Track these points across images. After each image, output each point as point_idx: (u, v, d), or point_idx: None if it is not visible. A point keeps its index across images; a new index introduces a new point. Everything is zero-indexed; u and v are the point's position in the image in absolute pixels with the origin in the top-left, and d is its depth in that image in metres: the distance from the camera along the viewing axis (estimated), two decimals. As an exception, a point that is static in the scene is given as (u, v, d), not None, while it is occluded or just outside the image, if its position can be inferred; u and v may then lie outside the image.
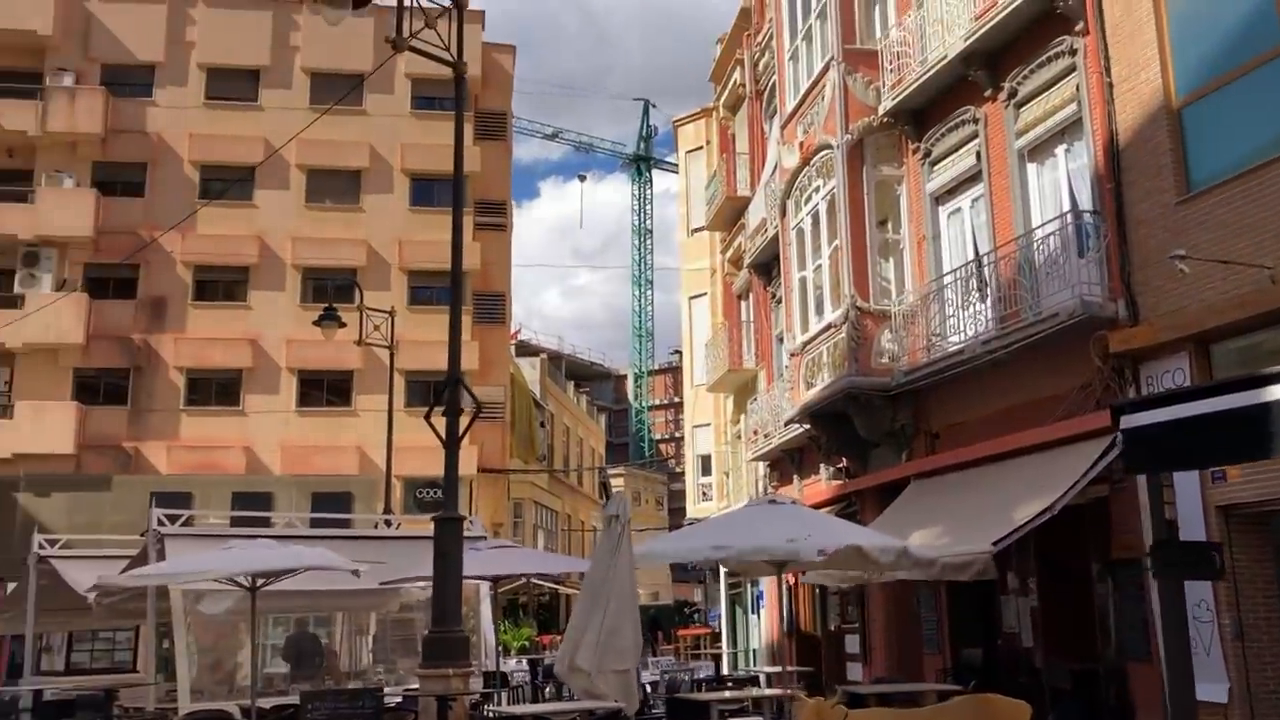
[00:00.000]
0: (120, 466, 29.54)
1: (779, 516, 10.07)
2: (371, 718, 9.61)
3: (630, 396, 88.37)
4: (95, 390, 30.46)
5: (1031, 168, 14.15)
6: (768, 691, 11.42)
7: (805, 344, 17.84)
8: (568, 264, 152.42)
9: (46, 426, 28.97)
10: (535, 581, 32.70)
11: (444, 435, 10.95)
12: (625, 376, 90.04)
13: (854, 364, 15.98)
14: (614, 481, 55.70)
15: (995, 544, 11.39)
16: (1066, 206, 13.22)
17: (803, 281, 18.27)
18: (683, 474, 70.00)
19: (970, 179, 15.32)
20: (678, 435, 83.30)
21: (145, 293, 31.09)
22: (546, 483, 46.20)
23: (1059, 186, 13.67)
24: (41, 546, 17.09)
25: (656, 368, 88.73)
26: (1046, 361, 13.08)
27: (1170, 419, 6.87)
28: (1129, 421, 7.00)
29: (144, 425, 30.21)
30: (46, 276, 30.12)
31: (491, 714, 12.54)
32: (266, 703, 13.02)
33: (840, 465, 18.73)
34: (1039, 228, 13.46)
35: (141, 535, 15.52)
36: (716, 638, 34.61)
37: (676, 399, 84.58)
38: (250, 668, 13.68)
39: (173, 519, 14.82)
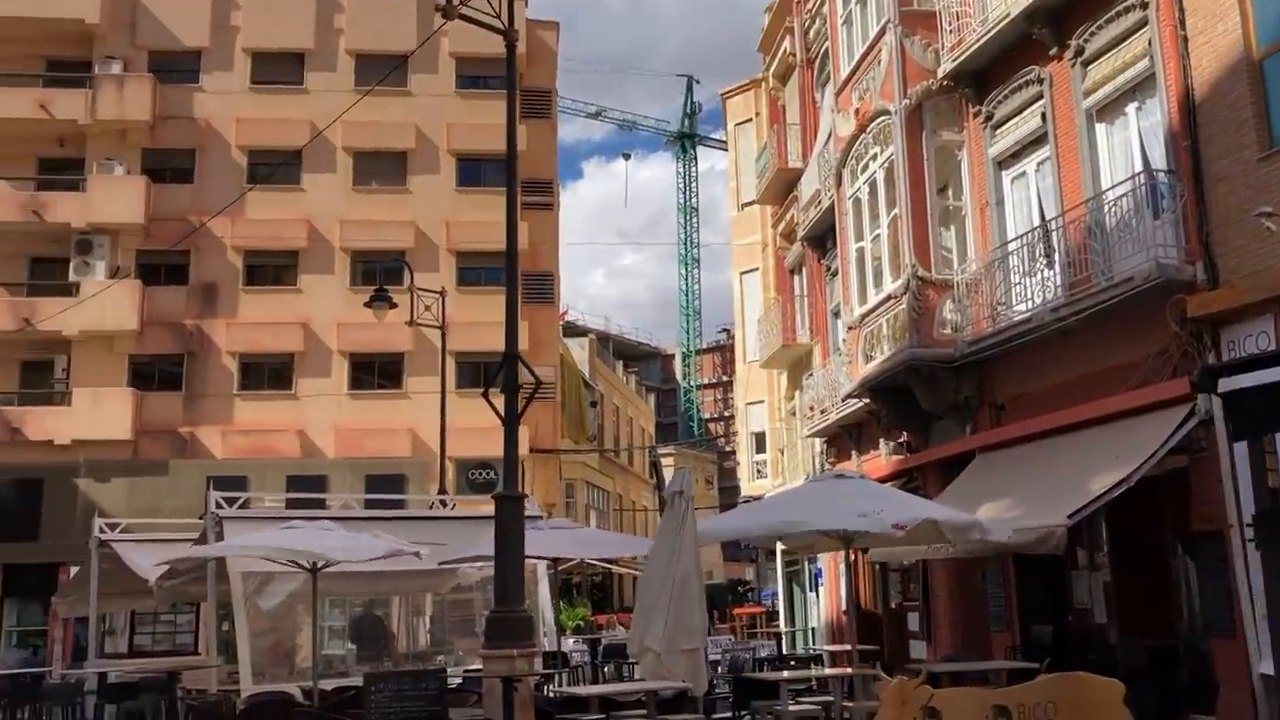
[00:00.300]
0: (176, 451, 29.81)
1: (848, 491, 9.77)
2: (435, 699, 9.47)
3: (678, 376, 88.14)
4: (150, 376, 30.73)
5: (1100, 128, 13.65)
6: (843, 671, 11.14)
7: (864, 316, 17.46)
8: (613, 242, 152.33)
9: (104, 412, 29.29)
10: (589, 561, 32.70)
11: (502, 413, 10.75)
12: (673, 356, 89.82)
13: (915, 335, 15.58)
14: (664, 461, 55.51)
15: (1071, 516, 11.03)
16: (1139, 166, 12.75)
17: (860, 252, 17.87)
18: (732, 453, 69.78)
19: (1035, 142, 14.84)
20: (727, 414, 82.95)
21: (197, 278, 31.28)
22: (598, 463, 46.13)
23: (1130, 146, 13.18)
24: (102, 530, 17.21)
25: (704, 346, 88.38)
26: (1119, 328, 12.64)
27: (1269, 381, 6.52)
28: (1228, 385, 6.62)
29: (199, 410, 30.45)
30: (100, 264, 30.36)
31: (555, 694, 12.39)
32: (327, 684, 12.96)
33: (901, 440, 18.36)
34: (1110, 189, 12.98)
35: (200, 518, 15.57)
36: (772, 616, 34.39)
37: (725, 377, 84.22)
38: (310, 649, 13.65)
39: (230, 502, 14.85)
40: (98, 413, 29.23)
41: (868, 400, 18.30)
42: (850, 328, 18.30)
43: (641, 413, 61.28)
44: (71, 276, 30.16)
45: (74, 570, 22.20)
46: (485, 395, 11.00)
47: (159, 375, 30.81)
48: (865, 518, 9.09)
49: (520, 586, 10.28)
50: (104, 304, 29.31)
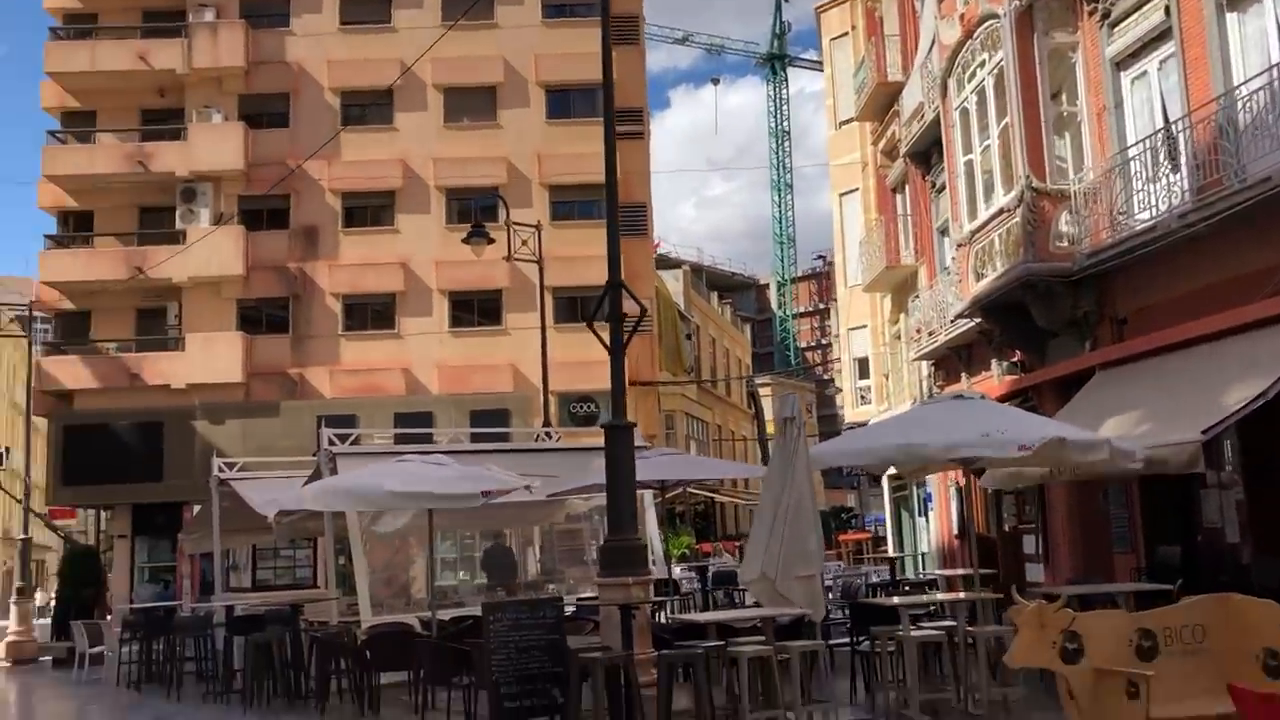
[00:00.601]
0: (286, 393, 30.51)
1: (970, 411, 9.41)
2: (553, 627, 9.48)
3: (773, 305, 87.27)
4: (258, 320, 31.46)
5: (1231, 18, 12.74)
6: (968, 595, 10.87)
7: (974, 232, 16.82)
8: (703, 169, 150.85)
9: (216, 357, 30.12)
10: (691, 490, 32.77)
11: (607, 342, 10.60)
12: (767, 286, 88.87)
13: (1030, 249, 14.94)
14: (762, 391, 55.25)
15: (1206, 432, 10.49)
16: (1276, 57, 11.88)
17: (969, 165, 17.18)
18: (830, 381, 69.00)
19: (1158, 38, 13.95)
20: (823, 342, 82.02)
21: (297, 222, 31.74)
22: (696, 394, 46.05)
23: (1266, 36, 12.27)
24: (220, 470, 17.69)
25: (799, 274, 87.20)
26: (1255, 232, 11.90)
27: None
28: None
29: (306, 352, 31.09)
30: (204, 211, 31.01)
31: (671, 621, 12.38)
32: (444, 614, 13.16)
33: (1014, 359, 17.77)
34: (1242, 85, 12.14)
35: (313, 455, 15.86)
36: (878, 542, 34.12)
37: (821, 305, 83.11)
38: (425, 581, 13.83)
39: (342, 439, 15.08)
40: (210, 357, 30.07)
41: (979, 320, 17.73)
42: (959, 245, 17.68)
43: (737, 343, 60.92)
44: (178, 225, 30.88)
45: (196, 509, 23.00)
46: (590, 325, 10.85)
47: (266, 319, 31.50)
48: (989, 438, 8.74)
49: (633, 515, 10.20)
50: (210, 250, 29.97)
